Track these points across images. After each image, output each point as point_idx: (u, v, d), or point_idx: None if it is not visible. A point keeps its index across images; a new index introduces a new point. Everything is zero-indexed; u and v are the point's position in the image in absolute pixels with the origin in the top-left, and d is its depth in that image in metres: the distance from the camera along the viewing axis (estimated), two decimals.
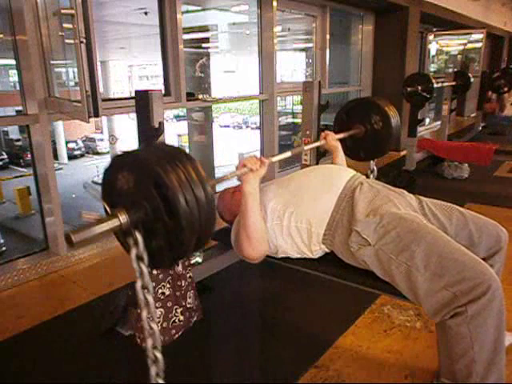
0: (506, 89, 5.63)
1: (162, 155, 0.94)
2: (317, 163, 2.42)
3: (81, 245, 0.87)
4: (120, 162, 0.99)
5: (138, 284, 0.96)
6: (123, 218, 0.90)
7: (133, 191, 0.94)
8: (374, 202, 1.44)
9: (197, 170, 0.93)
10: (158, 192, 0.90)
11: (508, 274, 1.92)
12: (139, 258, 0.94)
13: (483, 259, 1.41)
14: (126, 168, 0.96)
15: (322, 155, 2.47)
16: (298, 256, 1.56)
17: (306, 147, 2.16)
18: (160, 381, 0.99)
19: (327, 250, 1.52)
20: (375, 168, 2.39)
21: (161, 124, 1.58)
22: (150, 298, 0.97)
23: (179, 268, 1.56)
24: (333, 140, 1.99)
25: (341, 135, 2.08)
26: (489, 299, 1.15)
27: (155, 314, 1.00)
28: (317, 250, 1.52)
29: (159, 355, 0.98)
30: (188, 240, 0.93)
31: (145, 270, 0.95)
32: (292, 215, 1.50)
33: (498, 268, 1.47)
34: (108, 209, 0.95)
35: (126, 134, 18.25)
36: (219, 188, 1.92)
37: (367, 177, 2.33)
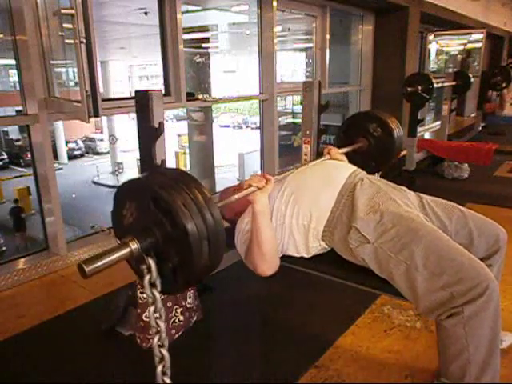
0: (503, 85, 5.65)
1: (163, 179, 0.95)
2: None
3: (95, 273, 0.89)
4: (123, 194, 1.02)
5: (151, 309, 0.97)
6: (134, 245, 0.92)
7: (140, 218, 0.96)
8: (375, 199, 1.43)
9: (200, 190, 0.95)
10: (163, 214, 0.91)
11: (508, 274, 1.92)
12: (152, 285, 0.95)
13: (482, 259, 1.42)
14: (130, 198, 0.98)
15: (321, 154, 2.47)
16: (295, 255, 1.56)
17: (311, 164, 2.12)
18: (167, 380, 0.99)
19: (326, 247, 1.52)
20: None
21: (161, 124, 1.58)
22: (162, 325, 0.98)
23: None
24: (337, 154, 1.93)
25: (344, 149, 2.08)
26: (485, 300, 1.15)
27: (166, 340, 1.00)
28: (315, 247, 1.53)
29: (165, 353, 0.98)
30: (200, 257, 0.93)
31: (157, 296, 0.96)
32: (294, 212, 1.50)
33: (498, 268, 1.48)
34: (118, 240, 0.97)
35: (126, 134, 18.28)
36: (218, 187, 1.91)
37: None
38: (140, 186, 0.97)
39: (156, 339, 0.97)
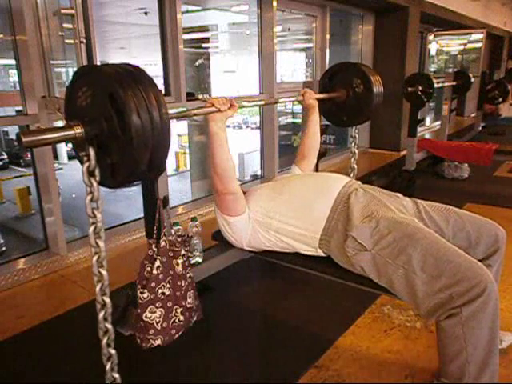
0: (500, 99, 5.67)
1: (124, 74, 0.96)
2: (317, 163, 2.41)
3: (32, 145, 0.91)
4: (81, 78, 1.03)
5: (88, 198, 1.02)
6: (78, 130, 0.95)
7: (92, 107, 0.98)
8: (369, 207, 1.44)
9: (156, 94, 0.97)
10: (115, 110, 0.93)
11: (508, 274, 1.92)
12: (90, 173, 1.00)
13: (482, 259, 1.42)
14: (87, 83, 0.99)
15: (321, 155, 2.47)
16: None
17: (282, 100, 2.20)
18: (103, 271, 1.08)
19: (323, 255, 1.52)
20: (357, 136, 2.42)
21: None
22: (98, 214, 1.03)
23: (179, 268, 1.56)
24: (311, 98, 1.97)
25: (321, 95, 2.08)
26: (484, 301, 1.15)
27: (103, 231, 1.06)
28: (311, 252, 1.54)
29: (102, 244, 1.06)
30: (140, 157, 0.96)
31: (95, 184, 1.01)
32: (288, 221, 1.51)
33: (497, 268, 1.48)
34: (65, 121, 1.01)
35: None
36: None
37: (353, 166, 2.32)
38: (101, 78, 0.97)
39: (91, 229, 1.04)
